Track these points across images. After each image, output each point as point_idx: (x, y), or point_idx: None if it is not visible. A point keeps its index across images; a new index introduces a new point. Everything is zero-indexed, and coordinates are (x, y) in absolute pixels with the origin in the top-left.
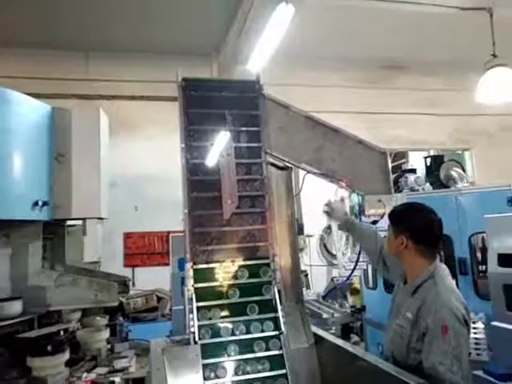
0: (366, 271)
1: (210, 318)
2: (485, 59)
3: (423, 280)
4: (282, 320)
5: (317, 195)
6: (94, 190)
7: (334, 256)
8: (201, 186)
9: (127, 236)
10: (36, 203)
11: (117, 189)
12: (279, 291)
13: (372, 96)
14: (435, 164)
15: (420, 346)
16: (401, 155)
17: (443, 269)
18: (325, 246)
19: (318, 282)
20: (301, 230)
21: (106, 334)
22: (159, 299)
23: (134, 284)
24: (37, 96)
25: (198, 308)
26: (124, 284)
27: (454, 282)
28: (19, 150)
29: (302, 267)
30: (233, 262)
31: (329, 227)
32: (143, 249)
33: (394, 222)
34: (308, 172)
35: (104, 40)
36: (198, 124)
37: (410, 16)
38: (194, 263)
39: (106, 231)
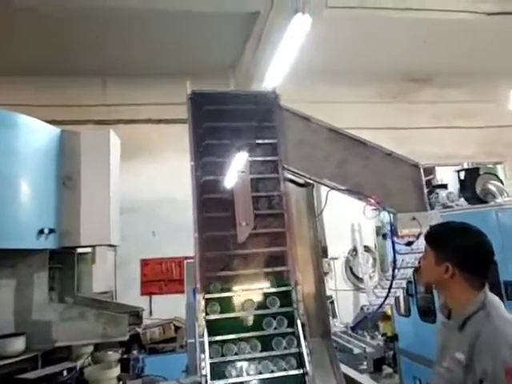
0: (397, 296)
1: (223, 355)
2: None
3: (473, 311)
4: (306, 358)
5: (341, 215)
6: (103, 215)
7: (360, 280)
8: (213, 206)
9: (144, 263)
10: (41, 231)
11: (133, 214)
12: (303, 325)
13: (394, 111)
14: (470, 177)
15: None
16: (428, 172)
17: (494, 298)
18: (351, 269)
19: (344, 309)
20: (324, 253)
21: (116, 370)
22: (177, 329)
23: (151, 313)
24: (54, 123)
25: (211, 343)
26: (137, 315)
27: (507, 312)
28: (25, 174)
29: (327, 292)
30: (248, 290)
31: (354, 249)
32: (160, 275)
33: (435, 246)
34: (332, 188)
35: (120, 64)
36: (209, 139)
37: (431, 26)
38: (207, 292)
39: (121, 258)
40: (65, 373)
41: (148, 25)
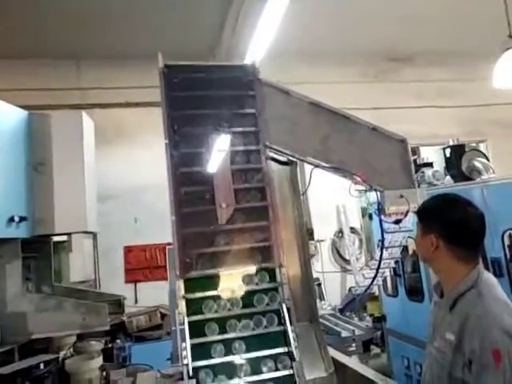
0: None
1: (205, 344)
2: (496, 46)
3: (464, 290)
4: (293, 345)
5: (326, 196)
6: (78, 201)
7: (347, 261)
8: (191, 186)
9: (127, 250)
10: (12, 219)
11: (115, 200)
12: (289, 309)
13: (377, 91)
14: (455, 155)
15: (466, 377)
16: (412, 151)
17: (489, 276)
18: (337, 250)
19: (332, 291)
20: (310, 235)
21: (99, 361)
22: (163, 316)
23: (136, 301)
24: (27, 108)
25: (191, 324)
26: (118, 304)
27: (503, 292)
28: None
29: (314, 275)
30: (231, 272)
31: (340, 231)
32: (145, 263)
33: (421, 218)
34: (315, 166)
35: (95, 47)
36: (184, 116)
37: (412, 4)
38: (186, 279)
39: (104, 246)
40: (41, 366)
41: (125, 6)
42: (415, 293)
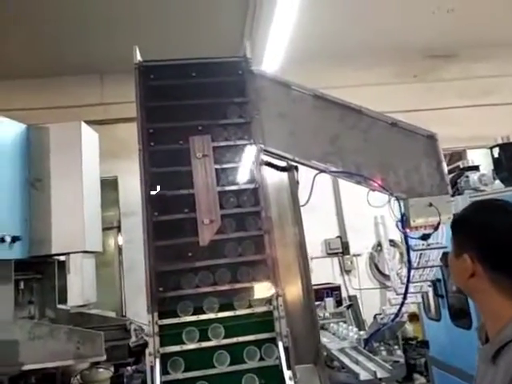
0: (426, 296)
1: None
2: None
3: (510, 337)
4: None
5: (362, 206)
6: (76, 218)
7: (387, 277)
8: (168, 202)
9: None
10: (2, 239)
11: (138, 216)
12: (287, 349)
13: (414, 92)
14: (506, 155)
15: None
16: (457, 157)
17: None
18: (376, 265)
19: (370, 311)
20: (346, 249)
21: None
22: None
23: None
24: None
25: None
26: (124, 329)
27: None
28: None
29: (351, 292)
30: (217, 312)
31: (379, 244)
32: None
33: (454, 231)
34: (321, 171)
35: (117, 61)
36: (163, 119)
37: None
38: (160, 315)
39: (128, 264)
40: None
41: (145, 19)
42: (461, 317)
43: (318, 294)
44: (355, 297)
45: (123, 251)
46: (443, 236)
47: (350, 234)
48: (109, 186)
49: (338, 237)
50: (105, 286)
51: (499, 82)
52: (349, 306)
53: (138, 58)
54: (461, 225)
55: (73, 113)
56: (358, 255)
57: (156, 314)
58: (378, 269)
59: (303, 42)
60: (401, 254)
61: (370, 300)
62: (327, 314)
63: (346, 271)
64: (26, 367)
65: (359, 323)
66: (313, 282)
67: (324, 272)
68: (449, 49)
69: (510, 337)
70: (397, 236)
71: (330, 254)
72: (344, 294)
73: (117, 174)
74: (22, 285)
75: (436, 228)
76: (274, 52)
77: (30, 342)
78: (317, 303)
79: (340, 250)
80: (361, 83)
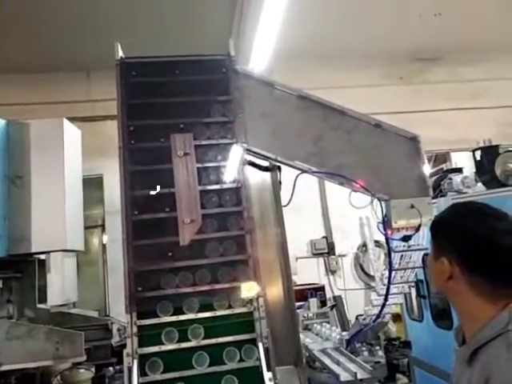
0: (409, 297)
1: None
2: None
3: (488, 338)
4: None
5: (348, 207)
6: (57, 216)
7: (372, 277)
8: (148, 201)
9: None
10: None
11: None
12: (267, 350)
13: (401, 94)
14: (488, 158)
15: None
16: (441, 159)
17: None
18: (361, 266)
19: (356, 311)
20: (331, 250)
21: None
22: None
23: None
24: None
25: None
26: (106, 329)
27: None
28: None
29: (335, 292)
30: (196, 313)
31: (364, 245)
32: None
33: (432, 233)
34: (303, 172)
35: (104, 58)
36: (145, 117)
37: None
38: (140, 315)
39: (112, 263)
40: None
41: (131, 16)
42: (442, 318)
43: (303, 294)
44: (340, 297)
45: (107, 250)
46: (424, 238)
47: (336, 234)
48: (94, 185)
49: (323, 237)
50: (89, 285)
51: (487, 86)
52: (332, 307)
53: (121, 54)
54: (439, 227)
55: (62, 109)
56: (344, 256)
57: (135, 314)
58: (363, 269)
59: (291, 42)
60: (385, 254)
61: (355, 300)
62: (311, 315)
63: (331, 271)
64: (5, 367)
65: (344, 324)
66: (298, 282)
67: (309, 272)
68: (436, 52)
69: (486, 338)
70: (382, 237)
71: (315, 255)
72: (329, 295)
73: (103, 172)
74: (0, 284)
75: (417, 230)
76: (261, 51)
77: (8, 342)
78: (301, 303)
79: (325, 250)
80: (349, 84)
